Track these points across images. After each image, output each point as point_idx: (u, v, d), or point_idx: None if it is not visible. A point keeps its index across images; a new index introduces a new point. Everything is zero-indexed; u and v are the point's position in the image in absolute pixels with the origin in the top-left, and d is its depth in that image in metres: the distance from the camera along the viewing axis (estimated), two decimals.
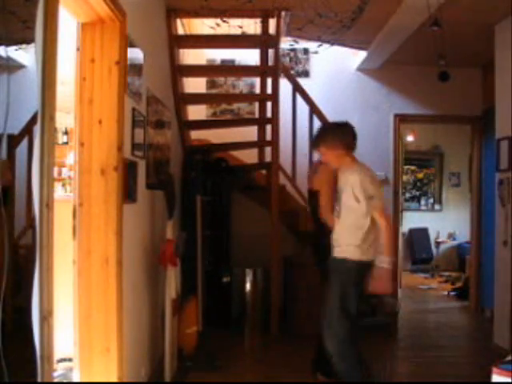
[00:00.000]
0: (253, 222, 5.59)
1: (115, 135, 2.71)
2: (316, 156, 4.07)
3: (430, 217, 9.72)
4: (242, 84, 6.14)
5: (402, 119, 6.28)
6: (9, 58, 1.91)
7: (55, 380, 2.91)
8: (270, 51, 5.01)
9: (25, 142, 4.53)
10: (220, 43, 5.30)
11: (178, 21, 4.91)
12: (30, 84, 1.90)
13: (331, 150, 3.21)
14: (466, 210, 7.56)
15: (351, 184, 3.11)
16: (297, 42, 5.60)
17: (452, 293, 7.21)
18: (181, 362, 3.87)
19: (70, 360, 2.92)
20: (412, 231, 9.49)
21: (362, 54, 5.86)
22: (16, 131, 4.42)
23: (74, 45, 2.72)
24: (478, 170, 6.28)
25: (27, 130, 4.45)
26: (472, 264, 6.41)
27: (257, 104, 5.60)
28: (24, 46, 4.17)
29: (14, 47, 4.09)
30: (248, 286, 5.08)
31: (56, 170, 4.64)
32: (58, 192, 4.64)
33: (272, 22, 4.85)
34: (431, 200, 9.91)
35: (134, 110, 3.08)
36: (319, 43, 5.28)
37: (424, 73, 5.96)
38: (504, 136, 4.59)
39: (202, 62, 5.97)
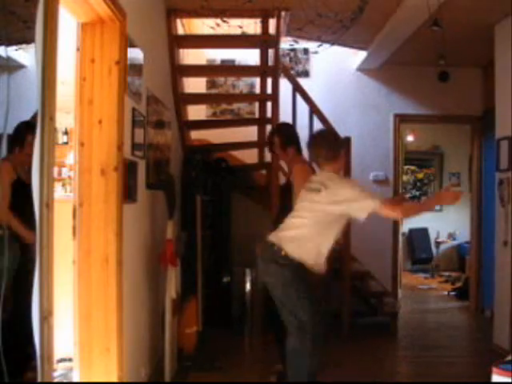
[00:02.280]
0: (253, 222, 5.58)
1: (115, 135, 2.71)
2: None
3: (429, 217, 9.68)
4: (242, 84, 6.14)
5: (402, 119, 6.27)
6: (9, 58, 1.90)
7: (55, 380, 2.91)
8: (270, 51, 5.00)
9: None
10: (220, 43, 5.30)
11: (178, 21, 4.91)
12: (30, 84, 1.90)
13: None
14: (466, 209, 7.54)
15: None
16: (297, 42, 5.59)
17: (452, 293, 7.21)
18: (181, 361, 3.87)
19: (70, 360, 2.93)
20: (412, 231, 9.50)
21: (361, 54, 5.85)
22: None
23: (74, 45, 2.72)
24: (478, 170, 6.28)
25: None
26: (472, 264, 6.40)
27: (257, 104, 5.59)
28: (24, 45, 4.16)
29: (14, 47, 4.08)
30: (248, 286, 5.07)
31: (56, 170, 4.64)
32: (58, 192, 4.64)
33: (272, 22, 4.85)
34: None
35: (134, 109, 3.09)
36: (319, 43, 5.27)
37: (424, 73, 5.96)
38: (504, 136, 4.59)
39: (202, 62, 5.96)
